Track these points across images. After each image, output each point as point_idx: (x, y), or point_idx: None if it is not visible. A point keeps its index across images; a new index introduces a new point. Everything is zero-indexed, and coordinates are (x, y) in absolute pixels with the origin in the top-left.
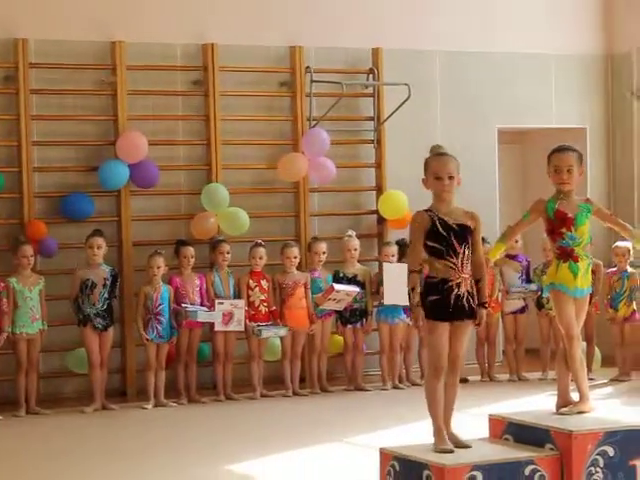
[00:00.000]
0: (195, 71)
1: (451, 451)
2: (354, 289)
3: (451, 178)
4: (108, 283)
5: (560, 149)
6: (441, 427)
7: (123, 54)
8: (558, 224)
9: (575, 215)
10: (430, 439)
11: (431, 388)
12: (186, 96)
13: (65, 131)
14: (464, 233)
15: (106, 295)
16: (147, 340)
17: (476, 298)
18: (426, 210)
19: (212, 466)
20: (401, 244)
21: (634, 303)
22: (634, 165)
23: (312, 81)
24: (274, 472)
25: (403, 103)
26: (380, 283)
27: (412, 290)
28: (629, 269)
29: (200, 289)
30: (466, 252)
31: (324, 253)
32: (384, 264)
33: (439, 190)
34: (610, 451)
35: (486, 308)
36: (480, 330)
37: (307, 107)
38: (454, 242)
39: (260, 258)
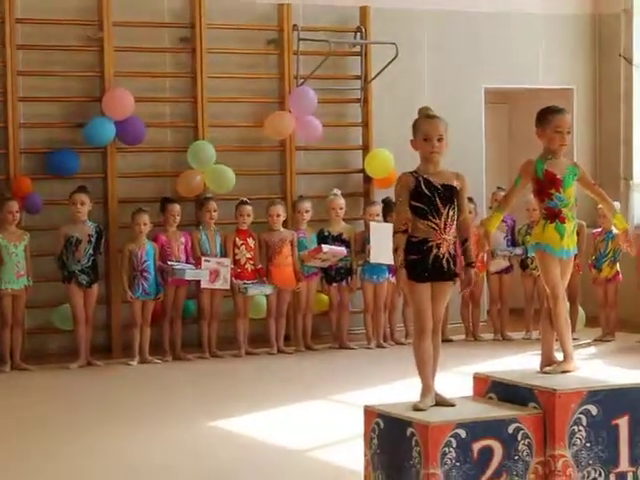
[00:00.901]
0: (182, 28)
1: (424, 409)
2: (341, 250)
3: (440, 140)
4: (93, 240)
5: (559, 110)
6: (429, 386)
7: (110, 10)
8: (547, 185)
9: (563, 176)
10: (414, 397)
11: (418, 348)
12: (173, 53)
13: (51, 87)
14: (449, 194)
15: (91, 252)
16: (132, 298)
17: (457, 260)
18: (412, 172)
19: (196, 423)
20: (386, 203)
21: (618, 264)
22: (620, 126)
23: (299, 39)
24: (259, 429)
25: (390, 62)
26: (366, 242)
27: (396, 251)
28: (613, 230)
29: (185, 247)
30: (450, 213)
31: (307, 212)
32: (371, 223)
33: (428, 152)
34: (593, 410)
35: (473, 268)
36: (467, 290)
37: (294, 65)
38: (438, 202)
39: (247, 216)
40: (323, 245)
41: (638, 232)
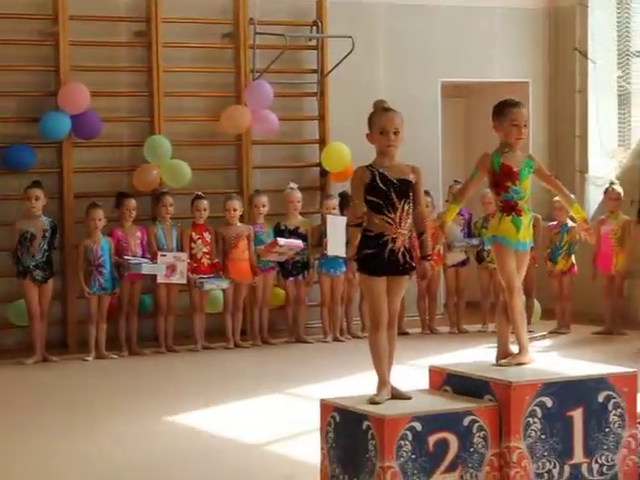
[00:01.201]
0: (138, 22)
1: (380, 402)
2: (297, 243)
3: (396, 133)
4: (47, 235)
5: (516, 104)
6: (385, 380)
7: (65, 4)
8: (503, 178)
9: (520, 169)
10: (370, 391)
11: (373, 342)
12: (129, 47)
13: (6, 81)
14: (405, 188)
15: (45, 247)
16: (88, 294)
17: (413, 253)
18: (367, 165)
19: (153, 418)
20: (343, 196)
21: (573, 257)
22: (575, 119)
23: (255, 33)
24: (215, 423)
25: (346, 56)
26: (322, 235)
27: (347, 244)
28: (569, 223)
29: (141, 241)
30: (405, 207)
31: (264, 206)
32: (327, 216)
33: (384, 145)
34: (548, 402)
35: (429, 261)
36: (423, 283)
37: (250, 59)
38: (393, 197)
39: (203, 210)
40: (279, 239)
41: (593, 225)
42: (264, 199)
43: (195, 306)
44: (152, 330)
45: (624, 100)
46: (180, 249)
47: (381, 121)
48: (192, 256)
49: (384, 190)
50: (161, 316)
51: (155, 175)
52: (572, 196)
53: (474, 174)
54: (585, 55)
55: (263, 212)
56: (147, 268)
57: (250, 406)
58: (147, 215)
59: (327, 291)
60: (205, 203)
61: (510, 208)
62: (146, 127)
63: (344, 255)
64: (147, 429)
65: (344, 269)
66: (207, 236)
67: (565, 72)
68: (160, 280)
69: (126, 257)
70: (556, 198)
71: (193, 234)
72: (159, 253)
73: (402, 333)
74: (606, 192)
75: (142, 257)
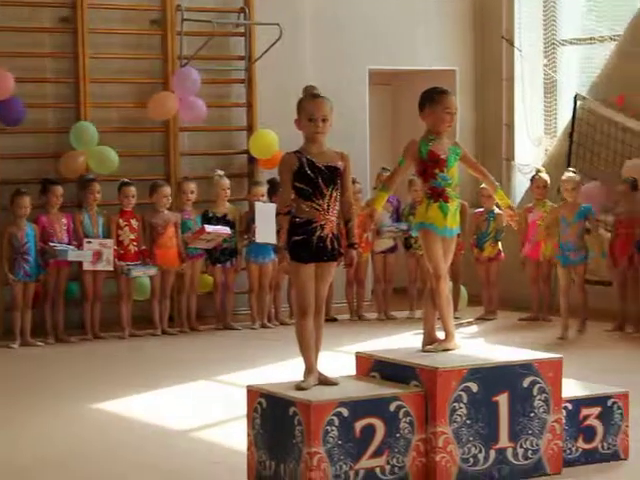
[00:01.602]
0: (63, 8)
1: (306, 388)
2: (225, 230)
3: (325, 120)
4: None
5: (446, 91)
6: (312, 366)
7: None
8: (431, 165)
9: (447, 157)
10: (297, 377)
11: (300, 328)
12: (54, 33)
13: None
14: (332, 175)
15: None
16: (13, 281)
17: (341, 240)
18: (295, 152)
19: (80, 405)
20: (272, 183)
21: (499, 243)
22: (502, 107)
23: (183, 19)
24: (142, 411)
25: (274, 43)
26: (251, 222)
27: (279, 232)
28: (495, 210)
29: (68, 228)
30: (334, 194)
31: (192, 193)
32: (256, 203)
33: (312, 132)
34: (474, 387)
35: (356, 249)
36: (349, 270)
37: (178, 46)
38: (321, 184)
39: (131, 197)
40: (206, 226)
41: (520, 212)
42: (193, 186)
43: (122, 293)
44: (79, 317)
45: (550, 88)
46: (107, 236)
47: (310, 108)
48: (119, 243)
49: (312, 177)
50: (88, 303)
51: (81, 162)
52: (497, 183)
53: (401, 162)
54: (512, 43)
55: (191, 199)
56: (73, 255)
57: (177, 393)
58: (73, 202)
59: (255, 278)
60: (133, 190)
61: (438, 195)
62: (72, 113)
63: (273, 242)
64: (74, 417)
65: (272, 256)
66: (134, 223)
67: (492, 60)
68: (86, 267)
69: (52, 244)
70: (482, 185)
71: (120, 221)
72: (85, 240)
73: (330, 319)
74: (532, 180)
75: (68, 244)
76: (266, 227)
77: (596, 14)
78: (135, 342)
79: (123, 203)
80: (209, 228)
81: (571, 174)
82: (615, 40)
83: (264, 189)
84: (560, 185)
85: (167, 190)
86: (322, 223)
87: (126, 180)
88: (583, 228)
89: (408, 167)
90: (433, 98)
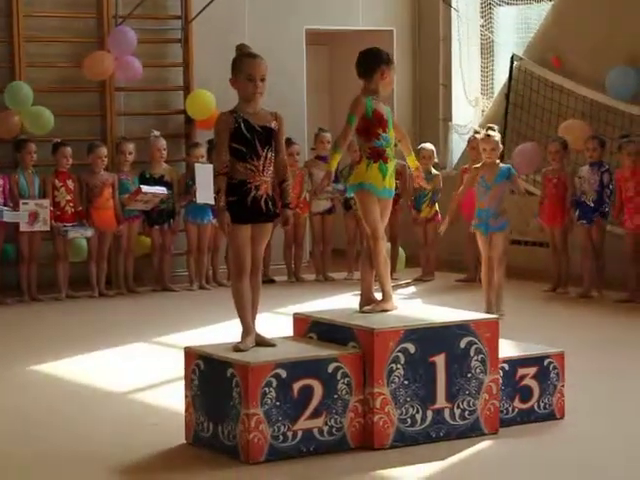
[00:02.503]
0: None
1: (244, 350)
2: (162, 190)
3: (263, 80)
4: None
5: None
6: (249, 327)
7: None
8: (375, 124)
9: (387, 117)
10: (235, 339)
11: (237, 289)
12: None
13: None
14: (268, 136)
15: None
16: None
17: (277, 201)
18: (231, 111)
19: (17, 367)
20: (211, 144)
21: (437, 204)
22: (439, 68)
23: None
24: (80, 372)
25: (210, 2)
26: (189, 184)
27: (218, 193)
28: (433, 171)
29: (3, 189)
30: (269, 155)
31: (131, 154)
32: (195, 165)
33: (251, 92)
34: (411, 348)
35: (291, 209)
36: (287, 231)
37: (113, 4)
38: (257, 144)
39: (67, 158)
40: (143, 186)
41: (457, 172)
42: (131, 147)
43: (59, 254)
44: (15, 279)
45: (487, 49)
46: (43, 197)
47: (248, 67)
48: (55, 204)
49: (248, 138)
50: (24, 265)
51: (16, 122)
52: (428, 145)
53: (351, 119)
54: (449, 3)
55: (130, 160)
56: (9, 216)
57: (115, 355)
58: (8, 163)
59: (194, 239)
60: (69, 150)
61: (378, 155)
62: (6, 73)
63: (213, 203)
64: (10, 377)
65: (211, 217)
66: (70, 184)
67: (429, 20)
68: (23, 228)
69: None
70: (421, 145)
71: (56, 182)
72: (21, 201)
73: (268, 281)
74: (469, 141)
75: (4, 205)
76: (206, 188)
77: None
78: (72, 304)
79: (59, 164)
80: (145, 188)
81: (491, 132)
82: (551, 0)
83: (203, 150)
84: (479, 145)
85: (104, 151)
86: (257, 184)
87: (60, 140)
88: (504, 191)
89: (357, 124)
90: (389, 60)
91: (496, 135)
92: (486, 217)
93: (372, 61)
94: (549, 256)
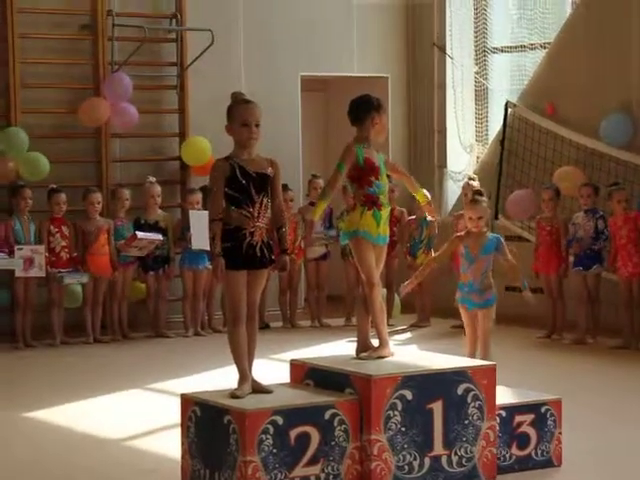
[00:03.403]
0: None
1: (241, 396)
2: (157, 236)
3: (257, 126)
4: None
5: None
6: (246, 374)
7: None
8: (367, 172)
9: (379, 164)
10: (232, 385)
11: (233, 336)
12: None
13: None
14: (263, 182)
15: None
16: None
17: (272, 247)
18: (226, 158)
19: (10, 413)
20: (205, 190)
21: (432, 251)
22: (434, 114)
23: (114, 25)
24: (76, 419)
25: (206, 49)
26: (185, 230)
27: (213, 239)
28: (428, 217)
29: None
30: (264, 201)
31: (127, 200)
32: (190, 211)
33: (246, 137)
34: (408, 395)
35: (289, 255)
36: (282, 277)
37: (109, 51)
38: (252, 191)
39: (62, 204)
40: (138, 232)
41: (452, 219)
42: (127, 193)
43: (54, 300)
44: (9, 325)
45: (481, 95)
46: (38, 243)
47: (243, 113)
48: (51, 250)
49: (244, 184)
50: (19, 311)
51: (12, 168)
52: (424, 191)
53: (341, 167)
54: (443, 50)
55: (126, 206)
56: (3, 263)
57: (110, 402)
58: (3, 209)
59: (190, 285)
60: (63, 196)
61: (372, 202)
62: (2, 119)
63: (208, 249)
64: (4, 425)
65: (207, 263)
66: (65, 229)
67: (424, 67)
68: (18, 274)
69: None
70: (406, 185)
71: (51, 227)
72: (16, 247)
73: (263, 326)
74: (464, 187)
75: None
76: (201, 234)
77: (526, 22)
78: (67, 350)
79: (53, 210)
80: (140, 234)
81: (478, 197)
82: (545, 48)
83: (199, 196)
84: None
85: (98, 197)
86: (252, 230)
87: (54, 186)
88: (490, 263)
89: (346, 173)
90: (380, 106)
91: (484, 201)
92: (469, 292)
93: (362, 108)
94: (543, 302)
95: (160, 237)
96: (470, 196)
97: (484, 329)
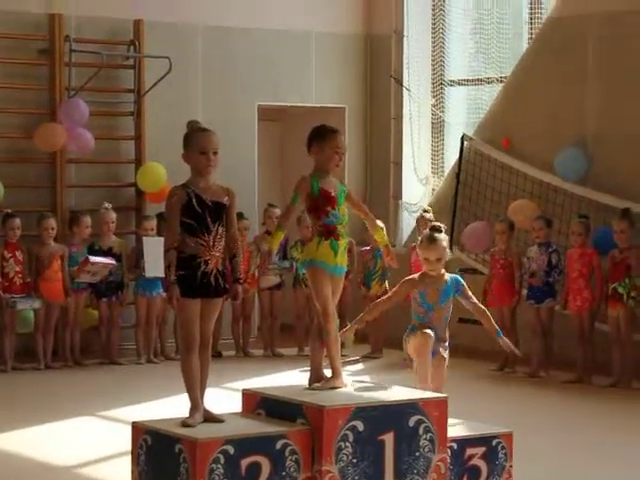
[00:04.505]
0: None
1: (192, 425)
2: (110, 261)
3: (215, 154)
4: None
5: (337, 131)
6: (197, 403)
7: None
8: (322, 202)
9: (337, 194)
10: (184, 413)
11: (185, 364)
12: None
13: None
14: (219, 211)
15: None
16: None
17: (227, 276)
18: (183, 185)
19: None
20: (160, 217)
21: (387, 282)
22: (390, 146)
23: (71, 50)
24: (24, 446)
25: (164, 76)
26: (139, 256)
27: (168, 268)
28: (387, 263)
29: None
30: (219, 230)
31: (87, 227)
32: (144, 238)
33: (204, 165)
34: (360, 426)
35: (241, 284)
36: (236, 306)
37: (66, 76)
38: (208, 219)
39: (17, 229)
40: (90, 257)
41: (406, 250)
42: (88, 220)
43: (5, 326)
44: None
45: (438, 128)
46: None
47: (201, 141)
48: (4, 275)
49: (200, 213)
50: None
51: None
52: (378, 222)
53: (295, 199)
54: (400, 83)
55: (87, 234)
56: None
57: (60, 428)
58: None
59: (143, 312)
60: (18, 221)
61: (329, 233)
62: None
63: (162, 276)
64: None
65: (161, 290)
66: (19, 255)
67: (381, 99)
68: None
69: None
70: (365, 222)
71: (5, 253)
72: None
73: (216, 355)
74: (418, 219)
75: None
76: (155, 261)
77: (483, 56)
78: (18, 376)
79: (7, 235)
80: (93, 259)
81: (437, 235)
82: (502, 82)
83: (154, 223)
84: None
85: (52, 222)
86: (207, 259)
87: (9, 212)
88: (450, 309)
89: (302, 203)
90: (324, 137)
91: (443, 239)
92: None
93: (310, 136)
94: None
95: (113, 262)
96: (427, 234)
97: (438, 384)
